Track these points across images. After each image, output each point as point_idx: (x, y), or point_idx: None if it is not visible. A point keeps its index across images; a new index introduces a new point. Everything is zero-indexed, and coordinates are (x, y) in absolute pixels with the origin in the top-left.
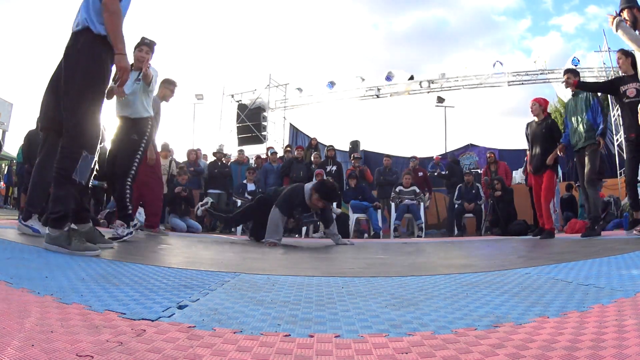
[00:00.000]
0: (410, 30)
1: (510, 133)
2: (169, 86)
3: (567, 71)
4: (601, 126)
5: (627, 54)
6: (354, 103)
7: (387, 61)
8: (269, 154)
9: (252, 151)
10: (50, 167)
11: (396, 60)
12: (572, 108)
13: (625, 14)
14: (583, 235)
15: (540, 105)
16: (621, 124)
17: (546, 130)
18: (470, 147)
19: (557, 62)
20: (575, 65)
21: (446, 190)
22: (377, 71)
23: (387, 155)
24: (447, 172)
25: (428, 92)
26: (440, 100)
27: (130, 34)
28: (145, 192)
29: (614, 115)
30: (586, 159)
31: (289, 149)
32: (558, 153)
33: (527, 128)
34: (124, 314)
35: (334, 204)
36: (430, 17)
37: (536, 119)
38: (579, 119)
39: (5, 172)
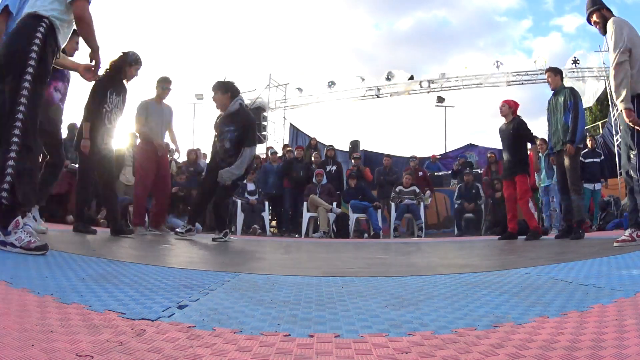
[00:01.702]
0: (411, 30)
1: None
2: (163, 84)
3: (548, 70)
4: (569, 130)
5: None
6: (354, 103)
7: (387, 61)
8: (269, 154)
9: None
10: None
11: (397, 60)
12: (552, 108)
13: (594, 17)
14: (557, 236)
15: (510, 107)
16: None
17: (514, 131)
18: (470, 147)
19: (557, 63)
20: (575, 65)
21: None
22: (378, 71)
23: (387, 155)
24: (461, 168)
25: (428, 92)
26: (440, 100)
27: (130, 34)
28: (153, 190)
29: (614, 115)
30: (566, 162)
31: (289, 149)
32: (530, 154)
33: (499, 131)
34: (124, 313)
35: (334, 204)
36: (432, 18)
37: (505, 120)
38: (558, 121)
39: None
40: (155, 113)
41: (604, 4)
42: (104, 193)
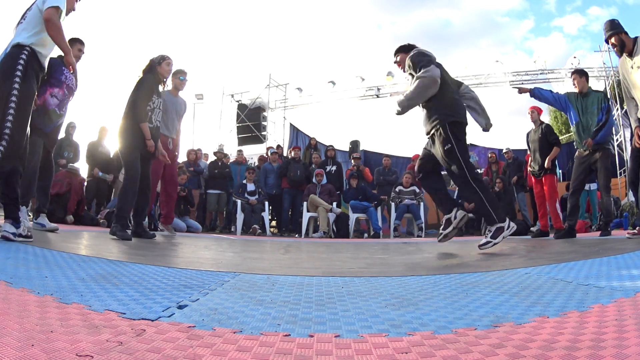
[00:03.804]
0: (413, 30)
1: (511, 133)
2: (180, 75)
3: (573, 72)
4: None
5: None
6: (354, 103)
7: (389, 61)
8: (269, 154)
9: (252, 151)
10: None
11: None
12: (582, 108)
13: (612, 40)
14: (601, 234)
15: (538, 113)
16: (621, 124)
17: (542, 136)
18: (470, 147)
19: (558, 63)
20: (574, 65)
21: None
22: (379, 71)
23: (387, 155)
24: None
25: None
26: None
27: (129, 34)
28: (162, 188)
29: (614, 115)
30: (598, 163)
31: (291, 150)
32: (555, 155)
33: (527, 136)
34: (124, 313)
35: (334, 204)
36: (434, 18)
37: (534, 126)
38: (589, 121)
39: None
40: (172, 106)
41: (622, 27)
42: (139, 198)
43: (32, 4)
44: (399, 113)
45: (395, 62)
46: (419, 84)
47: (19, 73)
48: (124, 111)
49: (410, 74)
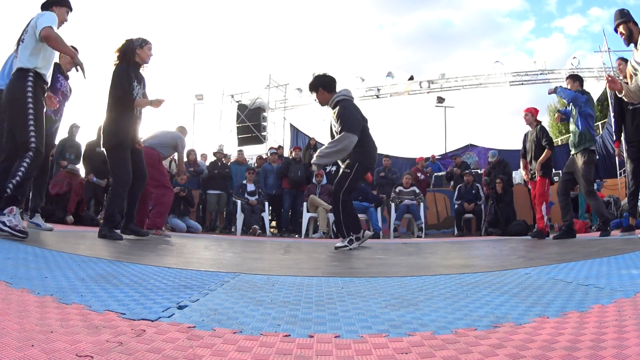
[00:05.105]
0: (414, 31)
1: (511, 133)
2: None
3: (568, 77)
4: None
5: (626, 61)
6: None
7: (390, 62)
8: (269, 154)
9: (252, 151)
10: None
11: (399, 61)
12: (570, 113)
13: (621, 29)
14: (555, 237)
15: (532, 115)
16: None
17: (536, 138)
18: (470, 147)
19: (559, 63)
20: (574, 65)
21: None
22: (379, 71)
23: (387, 156)
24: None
25: (428, 92)
26: (440, 100)
27: (129, 34)
28: (156, 191)
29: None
30: (579, 169)
31: (292, 150)
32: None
33: (524, 137)
34: (124, 314)
35: None
36: (435, 19)
37: (530, 127)
38: (572, 126)
39: None
40: None
41: (631, 16)
42: (129, 196)
43: (27, 25)
44: (317, 167)
45: (314, 95)
46: (339, 147)
47: (30, 94)
48: (107, 105)
49: (335, 118)
